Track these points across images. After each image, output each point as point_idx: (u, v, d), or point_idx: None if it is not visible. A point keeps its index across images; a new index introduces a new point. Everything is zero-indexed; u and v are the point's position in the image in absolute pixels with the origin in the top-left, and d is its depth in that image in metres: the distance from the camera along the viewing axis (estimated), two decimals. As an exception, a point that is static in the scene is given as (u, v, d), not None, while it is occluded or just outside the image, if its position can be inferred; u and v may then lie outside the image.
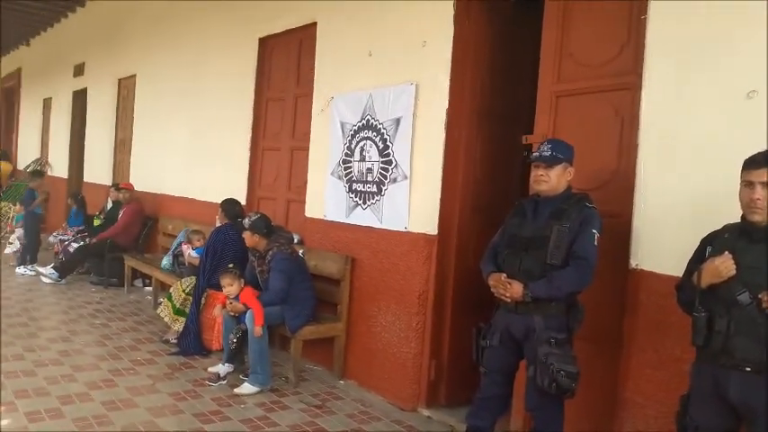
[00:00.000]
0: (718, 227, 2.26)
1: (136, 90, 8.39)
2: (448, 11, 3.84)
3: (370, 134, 4.35)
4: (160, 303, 5.23)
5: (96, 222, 7.88)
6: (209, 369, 4.30)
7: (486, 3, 3.96)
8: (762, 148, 2.18)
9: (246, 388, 4.00)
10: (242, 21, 5.99)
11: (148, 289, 6.68)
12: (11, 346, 4.58)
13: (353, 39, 4.56)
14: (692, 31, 2.70)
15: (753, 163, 2.12)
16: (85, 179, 10.14)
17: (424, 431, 3.68)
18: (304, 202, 5.03)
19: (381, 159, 4.25)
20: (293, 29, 5.31)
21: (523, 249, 2.73)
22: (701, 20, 2.67)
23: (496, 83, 4.10)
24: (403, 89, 4.09)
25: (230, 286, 4.25)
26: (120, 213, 7.31)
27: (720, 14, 2.61)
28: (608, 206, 2.91)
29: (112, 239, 7.08)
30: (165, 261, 6.07)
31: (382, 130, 4.24)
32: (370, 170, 4.34)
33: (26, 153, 13.46)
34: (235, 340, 4.19)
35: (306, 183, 5.01)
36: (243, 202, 5.52)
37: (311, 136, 4.98)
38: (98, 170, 9.50)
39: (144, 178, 7.88)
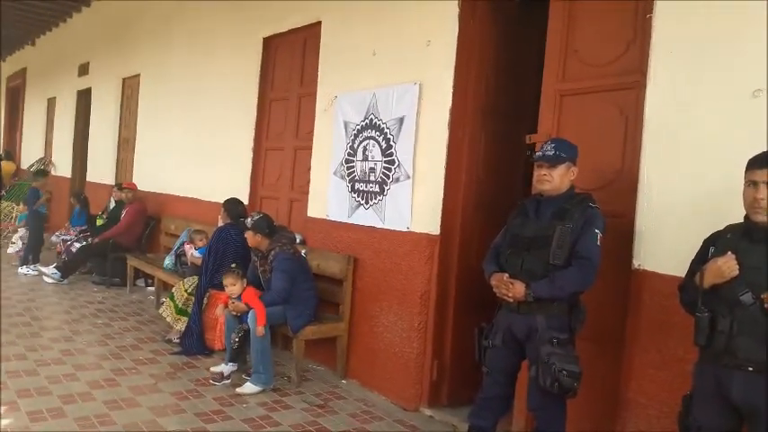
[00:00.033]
0: (722, 227, 2.25)
1: (140, 90, 8.41)
2: (452, 10, 3.84)
3: (373, 134, 4.35)
4: (162, 303, 5.23)
5: (99, 222, 7.89)
6: (212, 369, 4.29)
7: (491, 2, 3.95)
8: (766, 148, 2.17)
9: (249, 387, 4.00)
10: (246, 20, 5.99)
11: (151, 289, 6.68)
12: (13, 345, 4.58)
13: (358, 38, 4.55)
14: (698, 31, 2.69)
15: (756, 162, 2.11)
16: (89, 179, 10.16)
17: (426, 431, 3.67)
18: (307, 201, 5.03)
19: (384, 159, 4.24)
20: (297, 28, 5.32)
21: (526, 249, 2.72)
22: (707, 19, 2.66)
23: (501, 82, 4.10)
24: (406, 88, 4.09)
25: (233, 286, 4.26)
26: (123, 213, 7.31)
27: (726, 14, 2.60)
28: (611, 206, 2.90)
29: (115, 239, 7.09)
30: (168, 261, 6.07)
31: (385, 130, 4.24)
32: (372, 170, 4.34)
33: (30, 152, 13.51)
34: (237, 340, 4.19)
35: (309, 182, 5.01)
36: (245, 201, 5.51)
37: (314, 135, 4.98)
38: (101, 170, 9.51)
39: (147, 178, 7.89)
